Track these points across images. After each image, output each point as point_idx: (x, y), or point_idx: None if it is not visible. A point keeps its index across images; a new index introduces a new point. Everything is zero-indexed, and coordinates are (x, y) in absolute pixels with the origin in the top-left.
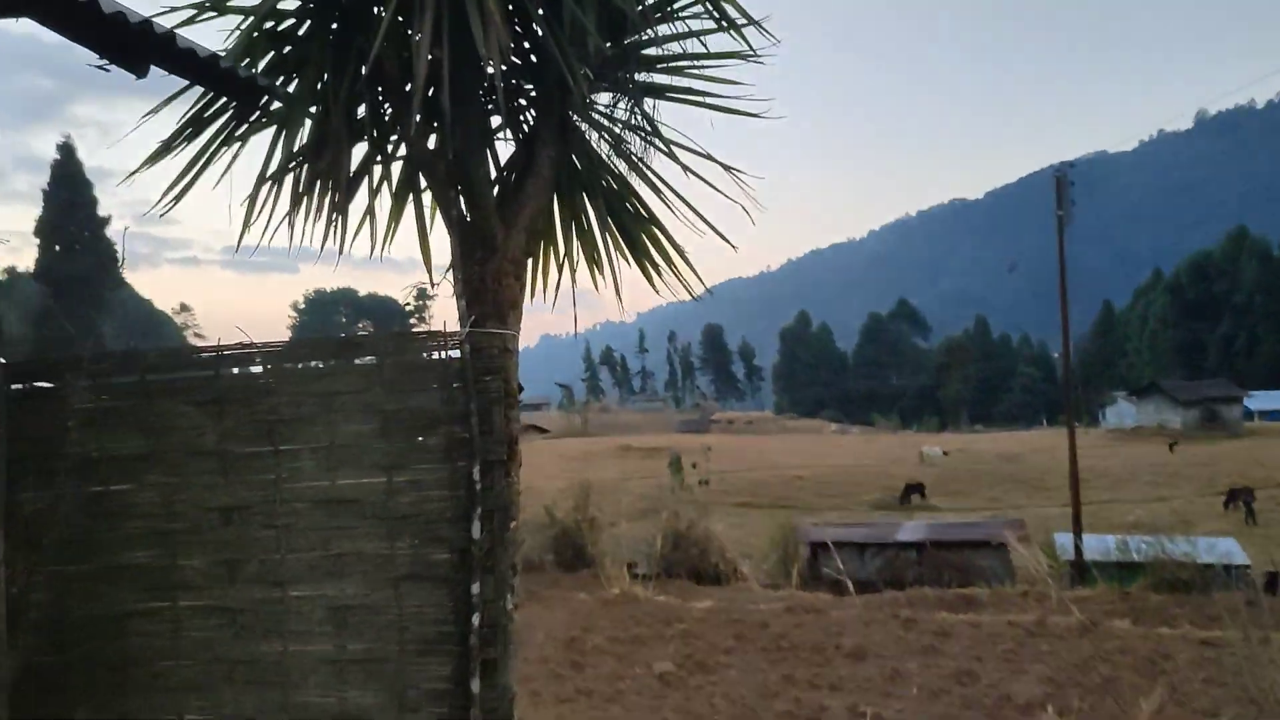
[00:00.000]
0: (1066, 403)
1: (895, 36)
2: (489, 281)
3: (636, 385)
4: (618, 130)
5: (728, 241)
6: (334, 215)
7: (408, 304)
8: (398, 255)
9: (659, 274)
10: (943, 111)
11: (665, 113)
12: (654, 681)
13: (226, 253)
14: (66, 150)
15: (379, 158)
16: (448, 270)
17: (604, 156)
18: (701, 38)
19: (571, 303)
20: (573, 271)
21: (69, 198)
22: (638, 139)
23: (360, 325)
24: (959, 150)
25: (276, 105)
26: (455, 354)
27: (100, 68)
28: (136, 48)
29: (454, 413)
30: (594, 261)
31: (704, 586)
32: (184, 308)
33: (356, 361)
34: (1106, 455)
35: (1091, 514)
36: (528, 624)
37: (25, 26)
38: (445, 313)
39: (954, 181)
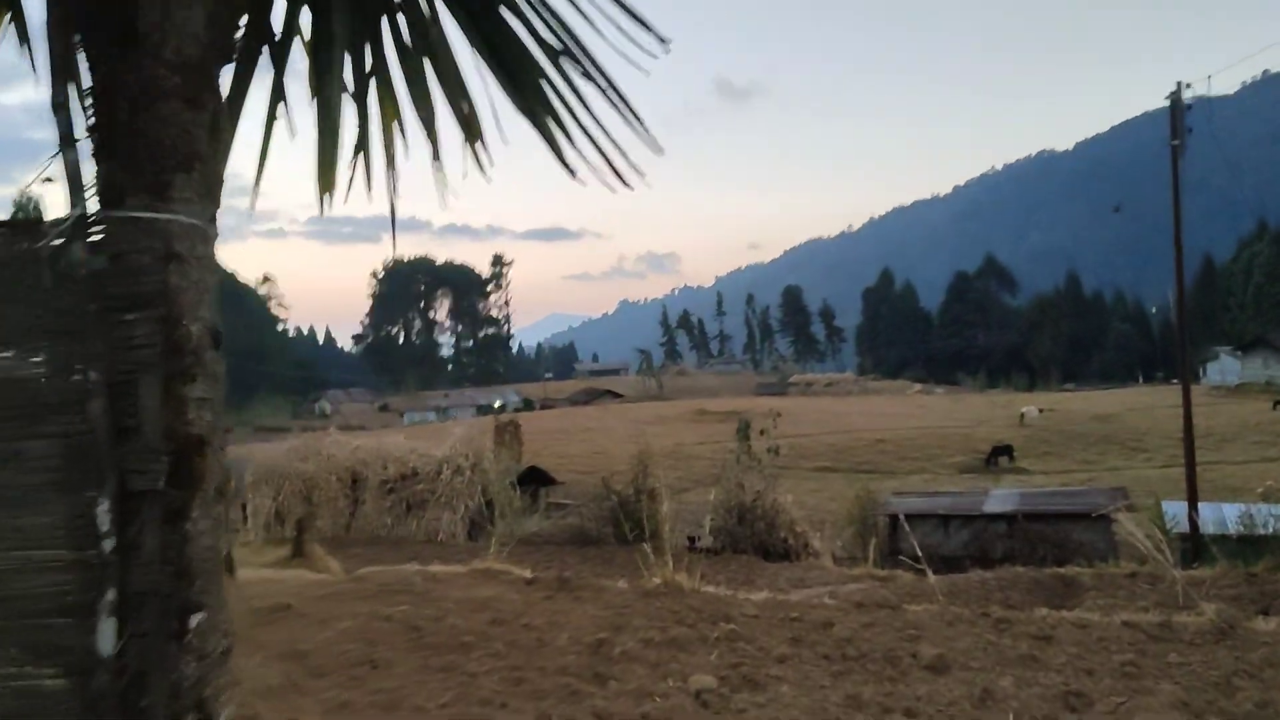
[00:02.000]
0: (1181, 355)
1: None
2: (129, 106)
3: (715, 349)
4: None
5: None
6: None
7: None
8: (477, 224)
9: (571, 142)
10: (1029, 61)
11: None
12: (688, 701)
13: (312, 224)
14: None
15: None
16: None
17: None
18: None
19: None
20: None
21: None
22: None
23: (439, 293)
24: (1046, 100)
25: None
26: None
27: None
28: None
29: (69, 390)
30: (391, 107)
31: (771, 563)
32: (266, 279)
33: None
34: (1209, 414)
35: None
36: (553, 623)
37: None
38: (520, 278)
39: (1042, 133)
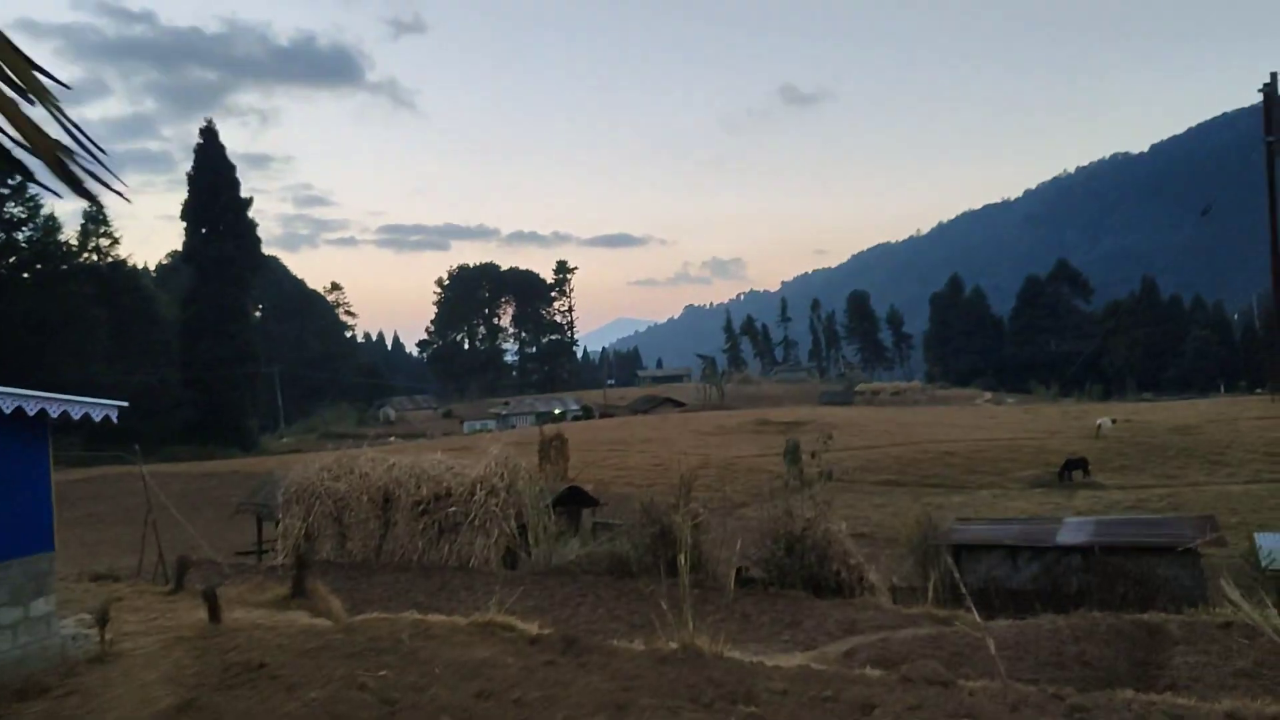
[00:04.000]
0: (1276, 357)
1: None
2: None
3: (779, 355)
4: None
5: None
6: None
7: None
8: (544, 231)
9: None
10: (1102, 62)
11: None
12: None
13: (382, 232)
14: (209, 134)
15: None
16: None
17: None
18: None
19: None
20: None
21: (211, 181)
22: None
23: (504, 299)
24: (1120, 102)
25: None
26: None
27: None
28: None
29: None
30: None
31: (822, 600)
32: (335, 286)
33: None
34: None
35: (1276, 493)
36: (548, 699)
37: (189, 19)
38: (586, 284)
39: (1116, 135)
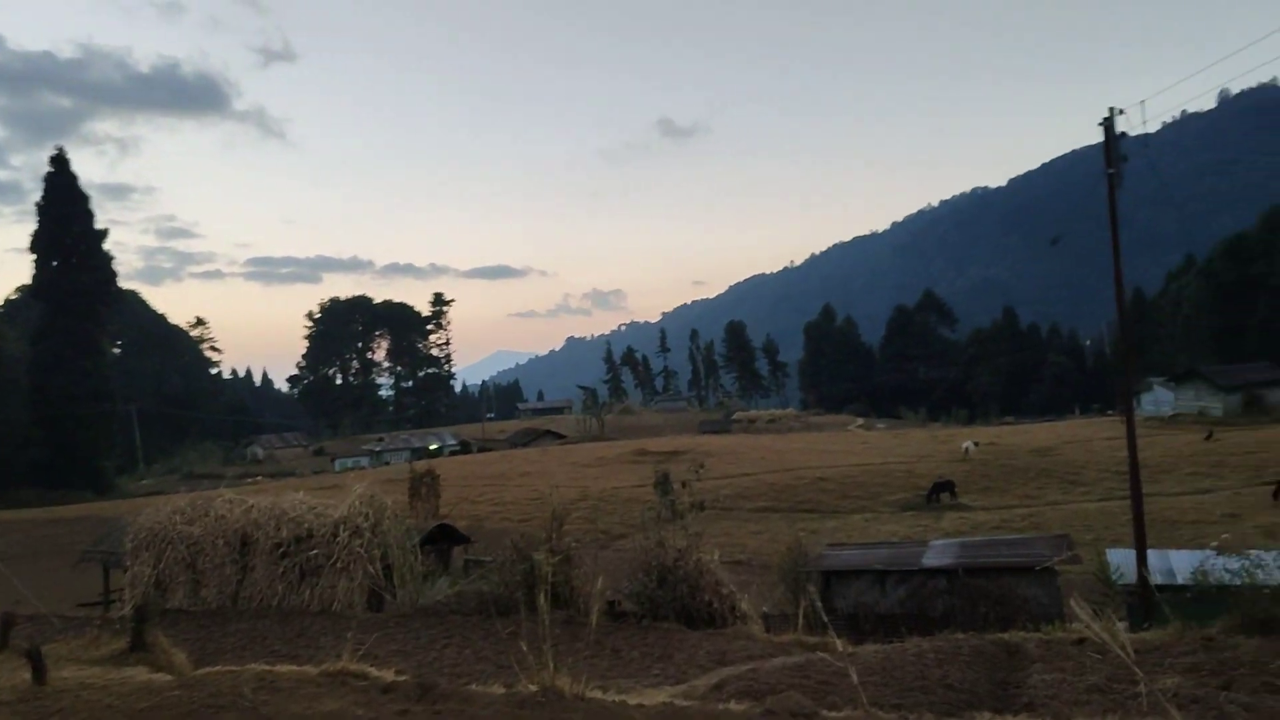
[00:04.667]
0: (1126, 382)
1: (909, 21)
2: None
3: (660, 385)
4: None
5: None
6: None
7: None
8: (420, 263)
9: None
10: (964, 97)
11: None
12: None
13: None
14: (59, 161)
15: None
16: None
17: None
18: None
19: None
20: None
21: (63, 211)
22: None
23: (378, 333)
24: (981, 137)
25: None
26: None
27: None
28: None
29: None
30: None
31: (695, 631)
32: (199, 321)
33: None
34: (1145, 445)
35: (1128, 510)
36: None
37: (41, 43)
38: (465, 316)
39: (976, 169)
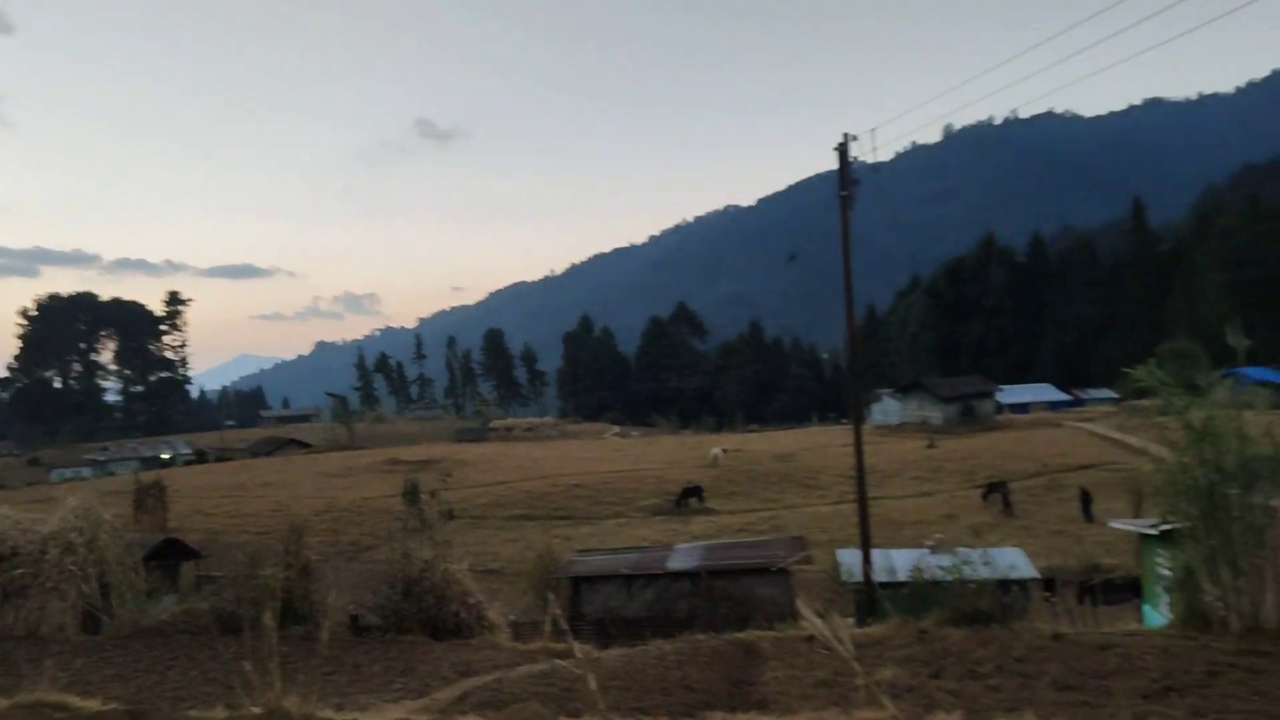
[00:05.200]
0: (855, 393)
1: (667, 50)
2: None
3: (415, 393)
4: None
5: None
6: None
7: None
8: (154, 258)
9: None
10: (716, 121)
11: None
12: None
13: None
14: None
15: None
16: None
17: None
18: None
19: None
20: None
21: None
22: None
23: (104, 333)
24: (733, 159)
25: None
26: None
27: None
28: None
29: None
30: None
31: (441, 642)
32: None
33: None
34: (873, 451)
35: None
36: None
37: None
38: (205, 317)
39: (728, 189)
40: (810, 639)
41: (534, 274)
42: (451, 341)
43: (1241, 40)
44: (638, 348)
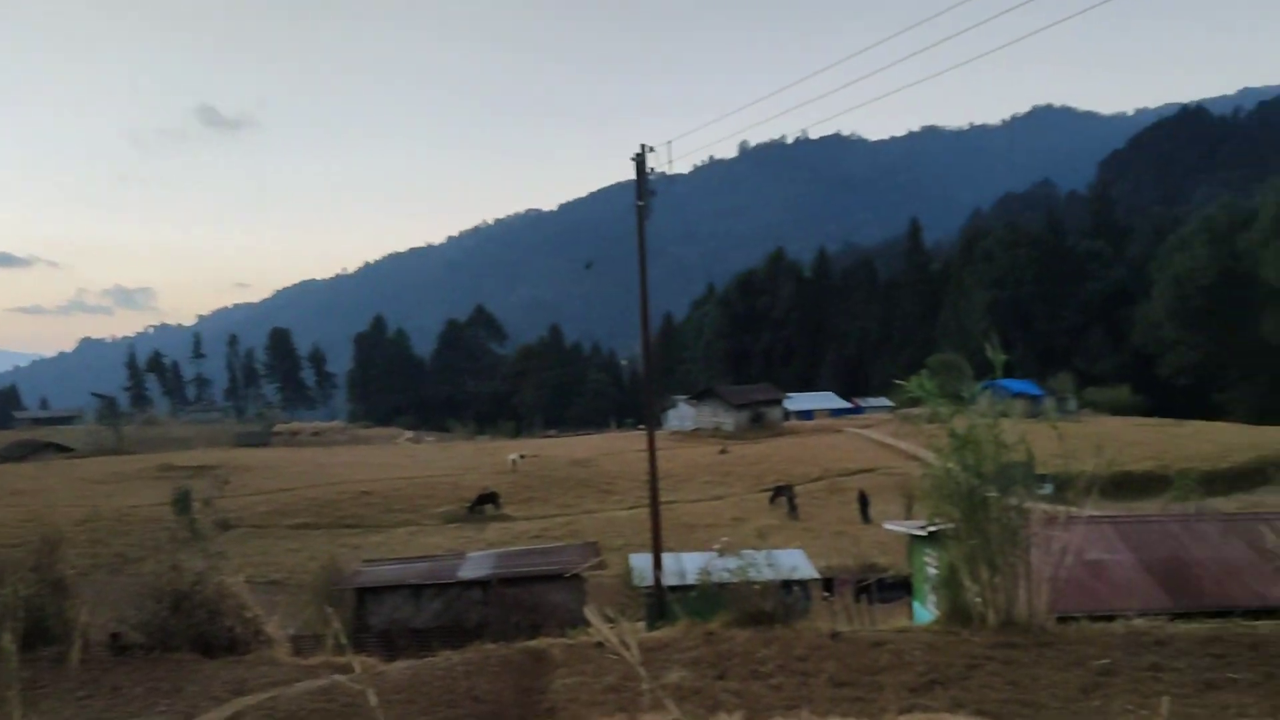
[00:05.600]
0: (648, 398)
1: (466, 49)
2: None
3: (191, 395)
4: None
5: None
6: None
7: None
8: None
9: None
10: (518, 123)
11: None
12: None
13: None
14: None
15: None
16: None
17: None
18: None
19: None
20: None
21: None
22: None
23: None
24: (534, 162)
25: None
26: None
27: None
28: None
29: None
30: None
31: (213, 660)
32: None
33: None
34: (668, 457)
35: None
36: None
37: None
38: None
39: (529, 192)
40: (600, 645)
41: (325, 272)
42: (233, 340)
43: (1008, 76)
44: (434, 350)
